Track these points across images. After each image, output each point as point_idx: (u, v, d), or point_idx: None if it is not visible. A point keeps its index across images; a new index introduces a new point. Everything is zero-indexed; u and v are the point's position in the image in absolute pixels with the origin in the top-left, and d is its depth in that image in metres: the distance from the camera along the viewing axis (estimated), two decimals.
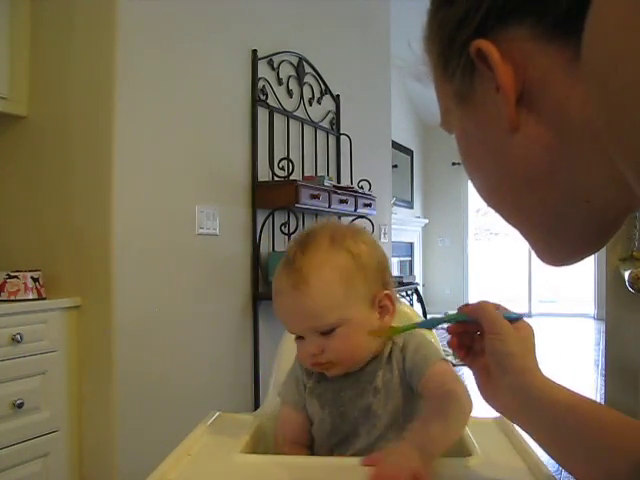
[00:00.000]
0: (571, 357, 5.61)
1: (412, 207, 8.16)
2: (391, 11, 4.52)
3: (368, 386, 0.92)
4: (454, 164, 8.68)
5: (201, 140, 2.48)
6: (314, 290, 0.85)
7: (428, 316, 4.06)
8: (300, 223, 2.95)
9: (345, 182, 3.52)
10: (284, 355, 1.19)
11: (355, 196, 3.32)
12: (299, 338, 0.91)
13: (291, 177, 2.80)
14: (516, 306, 8.74)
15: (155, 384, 2.22)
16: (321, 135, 3.43)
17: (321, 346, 0.88)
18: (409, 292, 4.62)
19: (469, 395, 0.86)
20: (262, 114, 2.85)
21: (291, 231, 2.79)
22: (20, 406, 1.85)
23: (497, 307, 0.73)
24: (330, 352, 0.88)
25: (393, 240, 4.85)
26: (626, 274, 1.36)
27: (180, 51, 2.37)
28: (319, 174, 3.27)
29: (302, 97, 3.22)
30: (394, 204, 5.98)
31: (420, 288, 5.06)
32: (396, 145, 6.85)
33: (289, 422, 0.98)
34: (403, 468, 0.72)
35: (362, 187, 3.56)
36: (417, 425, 0.83)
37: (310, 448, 0.98)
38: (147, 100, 2.20)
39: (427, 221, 8.45)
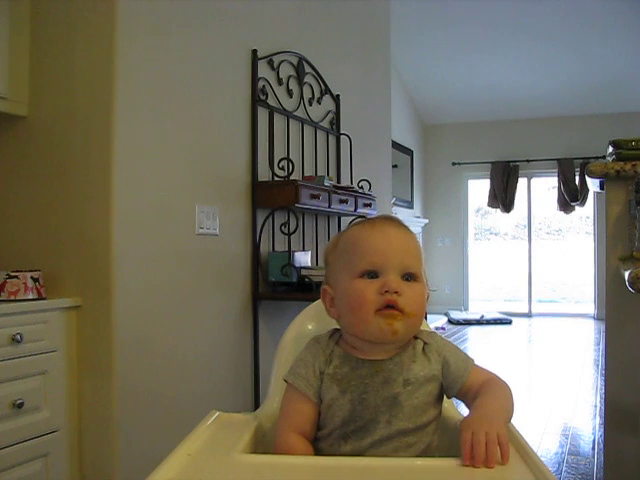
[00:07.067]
0: (571, 357, 5.61)
1: (412, 207, 8.16)
2: (391, 11, 4.52)
3: (397, 376, 0.94)
4: (454, 164, 8.69)
5: (201, 140, 2.48)
6: (414, 238, 1.00)
7: (428, 316, 4.04)
8: (300, 223, 2.95)
9: (345, 182, 3.52)
10: (284, 355, 1.19)
11: (355, 196, 3.32)
12: (371, 277, 0.95)
13: (291, 177, 2.80)
14: (516, 306, 8.75)
15: (155, 384, 2.22)
16: (321, 135, 3.43)
17: (400, 288, 0.93)
18: None
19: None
20: (262, 114, 2.85)
21: (291, 231, 2.78)
22: (20, 406, 1.85)
23: None
24: (405, 298, 0.93)
25: None
26: (626, 274, 1.35)
27: (180, 51, 2.37)
28: (319, 174, 3.27)
29: (302, 97, 3.22)
30: (394, 204, 5.97)
31: None
32: (396, 145, 6.85)
33: (296, 410, 0.98)
34: (489, 433, 0.80)
35: (362, 187, 3.56)
36: (483, 399, 0.91)
37: (312, 441, 0.98)
38: (147, 100, 2.20)
39: (427, 221, 8.45)
